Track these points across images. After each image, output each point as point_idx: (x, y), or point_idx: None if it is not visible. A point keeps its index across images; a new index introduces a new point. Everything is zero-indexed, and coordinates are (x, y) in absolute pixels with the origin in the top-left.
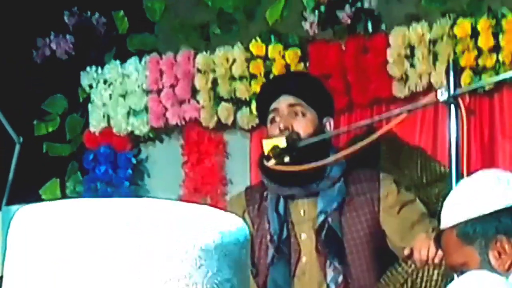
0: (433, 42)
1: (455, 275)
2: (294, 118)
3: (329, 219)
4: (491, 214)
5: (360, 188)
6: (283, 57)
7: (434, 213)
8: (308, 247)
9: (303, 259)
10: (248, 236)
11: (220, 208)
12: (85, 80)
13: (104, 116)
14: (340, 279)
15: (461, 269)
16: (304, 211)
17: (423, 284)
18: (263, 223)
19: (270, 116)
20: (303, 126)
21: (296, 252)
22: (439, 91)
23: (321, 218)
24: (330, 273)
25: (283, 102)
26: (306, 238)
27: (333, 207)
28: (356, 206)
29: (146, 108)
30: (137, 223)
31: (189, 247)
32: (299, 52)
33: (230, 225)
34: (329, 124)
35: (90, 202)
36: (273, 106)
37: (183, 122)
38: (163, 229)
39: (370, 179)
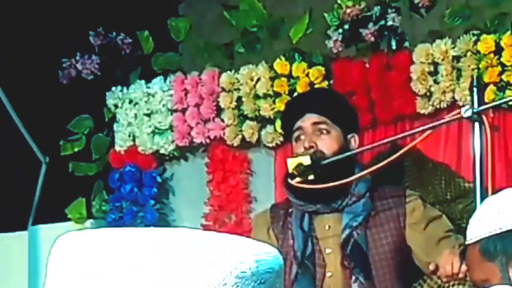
0: (457, 58)
1: None
2: (319, 136)
3: (354, 234)
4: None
5: (386, 204)
6: (307, 75)
7: (459, 229)
8: (333, 262)
9: (328, 274)
10: (283, 266)
11: (246, 225)
12: (110, 100)
13: (129, 135)
14: None
15: (483, 285)
16: (329, 226)
17: None
18: (287, 239)
19: (295, 134)
20: (327, 144)
21: (321, 267)
22: (463, 108)
23: (347, 232)
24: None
25: (307, 121)
26: (331, 252)
27: (358, 221)
28: (382, 221)
29: (171, 127)
30: (177, 250)
31: (227, 274)
32: (323, 70)
33: (265, 254)
34: (354, 140)
35: (126, 231)
36: (297, 124)
37: (208, 141)
38: (202, 256)
39: (396, 195)
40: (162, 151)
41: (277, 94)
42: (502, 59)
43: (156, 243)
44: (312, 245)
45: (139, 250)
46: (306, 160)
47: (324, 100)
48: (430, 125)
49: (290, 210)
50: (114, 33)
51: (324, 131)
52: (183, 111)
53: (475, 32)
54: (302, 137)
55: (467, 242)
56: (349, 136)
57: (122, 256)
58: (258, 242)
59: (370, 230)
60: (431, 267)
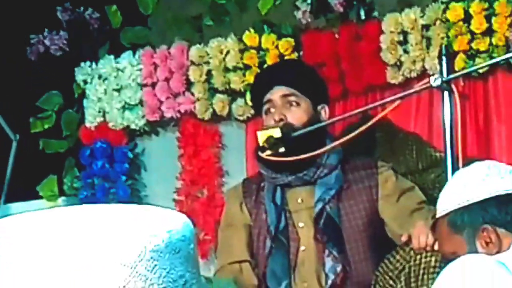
0: (426, 27)
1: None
2: (289, 108)
3: (327, 207)
4: (478, 203)
5: (358, 176)
6: (277, 47)
7: (431, 199)
8: (307, 236)
9: (302, 248)
10: (194, 231)
11: (219, 199)
12: (79, 76)
13: (99, 111)
14: (339, 268)
15: (452, 258)
16: (301, 200)
17: (421, 271)
18: (260, 214)
19: (265, 107)
20: (297, 116)
21: (295, 241)
22: (432, 77)
23: (319, 206)
24: (329, 262)
25: (276, 93)
26: (304, 226)
27: (330, 194)
28: (354, 194)
29: (141, 102)
30: (88, 232)
31: (141, 249)
32: (292, 42)
33: (175, 223)
34: (324, 111)
35: (34, 215)
36: (267, 97)
37: (178, 115)
38: (113, 235)
39: (368, 167)
40: (132, 126)
41: (247, 67)
42: (471, 27)
43: (65, 226)
44: (286, 219)
45: (49, 235)
46: (276, 133)
47: (293, 72)
48: (400, 94)
49: (262, 184)
50: (82, 8)
51: (294, 103)
52: (153, 85)
53: (444, 0)
54: (272, 109)
55: (437, 216)
56: (319, 107)
57: (32, 241)
58: (166, 210)
59: (342, 203)
60: (404, 238)
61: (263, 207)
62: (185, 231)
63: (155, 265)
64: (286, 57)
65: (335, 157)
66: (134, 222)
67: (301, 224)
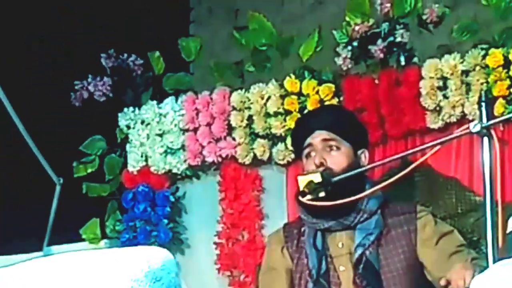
0: (466, 73)
1: None
2: (329, 153)
3: (367, 252)
4: None
5: (397, 221)
6: (317, 92)
7: (470, 243)
8: (347, 279)
9: None
10: (175, 261)
11: (259, 242)
12: (122, 121)
13: (142, 156)
14: None
15: None
16: (342, 244)
17: None
18: (302, 258)
19: (305, 151)
20: (337, 160)
21: (336, 285)
22: (471, 124)
23: (359, 251)
24: None
25: (317, 138)
26: (344, 270)
27: (370, 240)
28: (394, 239)
29: (183, 147)
30: (70, 272)
31: (121, 279)
32: (333, 87)
33: (154, 253)
34: (364, 156)
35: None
36: (307, 141)
37: (220, 159)
38: (93, 267)
39: (408, 211)
40: (174, 170)
41: (288, 112)
42: (510, 73)
43: (50, 273)
44: (326, 263)
45: (37, 282)
46: (317, 178)
47: (333, 117)
48: (440, 140)
49: (303, 229)
50: (126, 55)
51: (334, 148)
52: (195, 130)
53: (484, 46)
54: (312, 154)
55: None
56: (359, 152)
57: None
58: (148, 247)
59: (382, 248)
60: (443, 282)
61: (304, 251)
62: (165, 262)
63: None
64: (326, 103)
65: (375, 202)
66: (120, 259)
67: (342, 268)
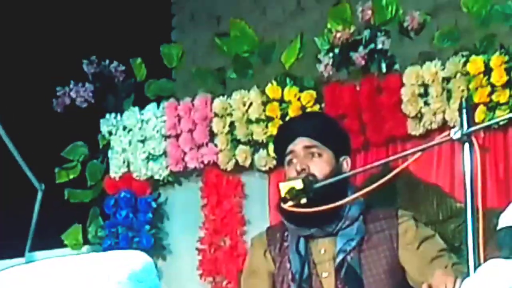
0: (447, 79)
1: None
2: (311, 159)
3: (348, 258)
4: None
5: (379, 226)
6: (299, 99)
7: (452, 248)
8: (330, 285)
9: None
10: (153, 264)
11: (241, 248)
12: (104, 127)
13: (124, 162)
14: None
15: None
16: (324, 250)
17: None
18: (284, 262)
19: (287, 158)
20: (319, 167)
21: None
22: (452, 130)
23: (340, 257)
24: None
25: (299, 144)
26: (327, 276)
27: (352, 245)
28: (375, 244)
29: (165, 153)
30: (59, 274)
31: (105, 281)
32: (314, 94)
33: (135, 257)
34: (346, 163)
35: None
36: (289, 148)
37: (202, 166)
38: (78, 272)
39: (389, 216)
40: (156, 176)
41: (270, 119)
42: (491, 80)
43: (37, 278)
44: (309, 268)
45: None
46: (298, 184)
47: (316, 124)
48: (421, 147)
49: (286, 234)
50: (107, 61)
51: (316, 154)
52: (177, 136)
53: (464, 53)
54: (294, 160)
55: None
56: (341, 159)
57: None
58: (128, 251)
59: (363, 253)
60: (424, 287)
61: (287, 256)
62: (146, 264)
63: None
64: (308, 109)
65: (356, 208)
66: (98, 262)
67: (324, 274)
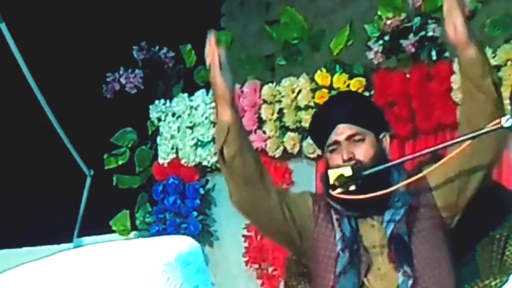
0: (497, 67)
1: None
2: (355, 146)
3: (397, 227)
4: None
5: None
6: (348, 86)
7: None
8: (380, 257)
9: (374, 269)
10: (200, 247)
11: None
12: (153, 113)
13: (172, 148)
14: (410, 282)
15: None
16: (372, 225)
17: None
18: (329, 229)
19: (331, 147)
20: (364, 152)
21: (365, 263)
22: (503, 118)
23: (390, 227)
24: (400, 278)
25: (342, 135)
26: (376, 249)
27: (400, 214)
28: (420, 210)
29: (213, 139)
30: (102, 258)
31: (153, 264)
32: (364, 81)
33: (182, 240)
34: (385, 139)
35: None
36: (332, 138)
37: None
38: (126, 256)
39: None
40: (204, 163)
41: (319, 106)
42: None
43: (84, 263)
44: (357, 242)
45: (71, 274)
46: (347, 171)
47: (353, 107)
48: (471, 135)
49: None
50: (157, 47)
51: (360, 140)
52: None
53: None
54: (338, 149)
55: None
56: (381, 136)
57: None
58: (175, 236)
59: (411, 221)
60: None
61: (334, 225)
62: (193, 247)
63: (169, 277)
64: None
65: (406, 195)
66: (146, 245)
67: (373, 248)
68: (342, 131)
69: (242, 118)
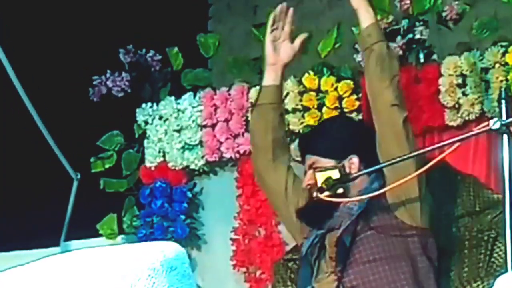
0: (485, 70)
1: None
2: (318, 173)
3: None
4: None
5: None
6: (336, 89)
7: (488, 239)
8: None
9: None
10: (186, 253)
11: (275, 239)
12: (140, 117)
13: (159, 151)
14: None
15: None
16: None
17: None
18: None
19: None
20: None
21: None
22: (491, 121)
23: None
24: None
25: (306, 163)
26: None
27: (353, 215)
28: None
29: (200, 143)
30: (88, 261)
31: (138, 269)
32: (351, 84)
33: (167, 246)
34: (350, 163)
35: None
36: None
37: (237, 156)
38: (111, 261)
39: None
40: (192, 166)
41: (306, 109)
42: None
43: (69, 269)
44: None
45: (57, 279)
46: (335, 174)
47: (313, 138)
48: (459, 137)
49: None
50: (144, 50)
51: (319, 168)
52: (213, 126)
53: (503, 43)
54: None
55: None
56: (345, 161)
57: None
58: (160, 241)
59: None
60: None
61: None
62: (178, 252)
63: (154, 283)
64: (345, 99)
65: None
66: (137, 251)
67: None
68: (306, 160)
69: (229, 121)
